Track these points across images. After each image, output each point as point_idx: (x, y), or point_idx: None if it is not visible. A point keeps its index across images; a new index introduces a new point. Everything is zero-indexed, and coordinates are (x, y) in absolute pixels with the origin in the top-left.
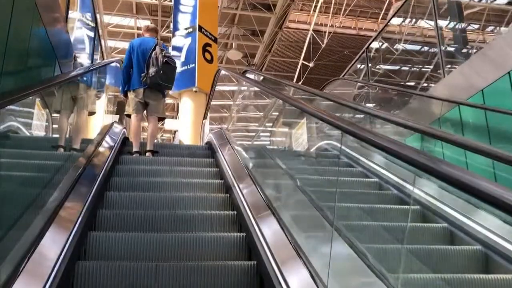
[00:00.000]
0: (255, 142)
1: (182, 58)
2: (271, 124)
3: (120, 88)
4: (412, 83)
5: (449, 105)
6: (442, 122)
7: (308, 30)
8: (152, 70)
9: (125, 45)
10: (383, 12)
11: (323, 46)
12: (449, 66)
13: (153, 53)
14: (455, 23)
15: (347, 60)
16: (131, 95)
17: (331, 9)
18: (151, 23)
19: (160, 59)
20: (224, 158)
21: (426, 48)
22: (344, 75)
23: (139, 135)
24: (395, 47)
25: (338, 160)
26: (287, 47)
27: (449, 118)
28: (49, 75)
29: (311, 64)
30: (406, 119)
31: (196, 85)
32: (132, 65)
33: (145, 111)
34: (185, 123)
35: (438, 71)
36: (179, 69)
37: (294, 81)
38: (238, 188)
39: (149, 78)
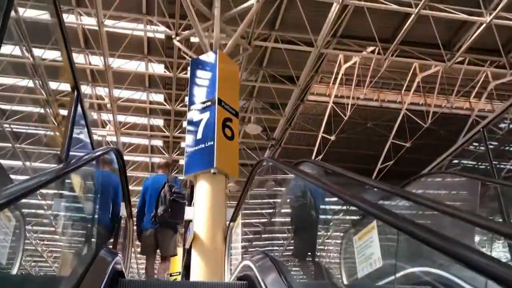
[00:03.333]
0: None
1: (199, 135)
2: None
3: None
4: None
5: None
6: None
7: (329, 102)
8: (160, 209)
9: (135, 119)
10: (406, 83)
11: (346, 118)
12: None
13: (162, 191)
14: None
15: (370, 133)
16: (143, 235)
17: (354, 81)
18: (164, 98)
19: (168, 197)
20: None
21: None
22: (435, 167)
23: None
24: None
25: None
26: (307, 119)
27: None
28: None
29: (332, 138)
30: None
31: (214, 165)
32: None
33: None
34: (201, 211)
35: None
36: (194, 147)
37: (314, 154)
38: None
39: (158, 217)
